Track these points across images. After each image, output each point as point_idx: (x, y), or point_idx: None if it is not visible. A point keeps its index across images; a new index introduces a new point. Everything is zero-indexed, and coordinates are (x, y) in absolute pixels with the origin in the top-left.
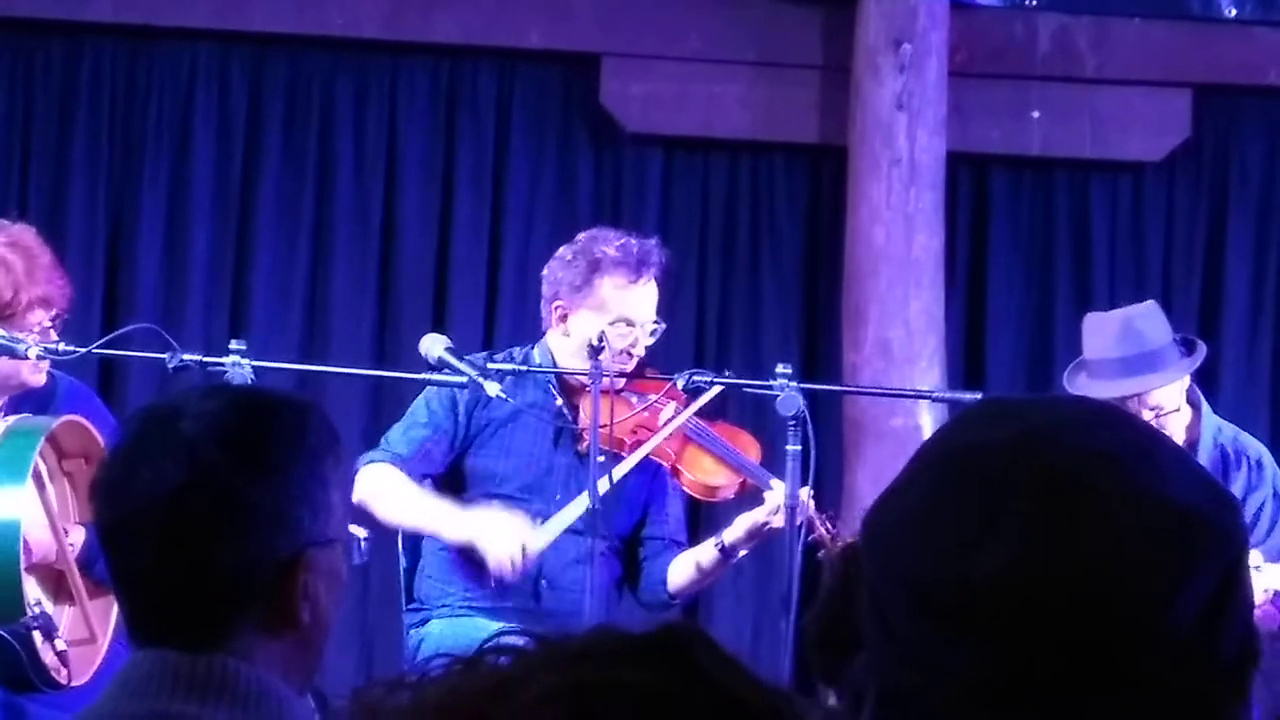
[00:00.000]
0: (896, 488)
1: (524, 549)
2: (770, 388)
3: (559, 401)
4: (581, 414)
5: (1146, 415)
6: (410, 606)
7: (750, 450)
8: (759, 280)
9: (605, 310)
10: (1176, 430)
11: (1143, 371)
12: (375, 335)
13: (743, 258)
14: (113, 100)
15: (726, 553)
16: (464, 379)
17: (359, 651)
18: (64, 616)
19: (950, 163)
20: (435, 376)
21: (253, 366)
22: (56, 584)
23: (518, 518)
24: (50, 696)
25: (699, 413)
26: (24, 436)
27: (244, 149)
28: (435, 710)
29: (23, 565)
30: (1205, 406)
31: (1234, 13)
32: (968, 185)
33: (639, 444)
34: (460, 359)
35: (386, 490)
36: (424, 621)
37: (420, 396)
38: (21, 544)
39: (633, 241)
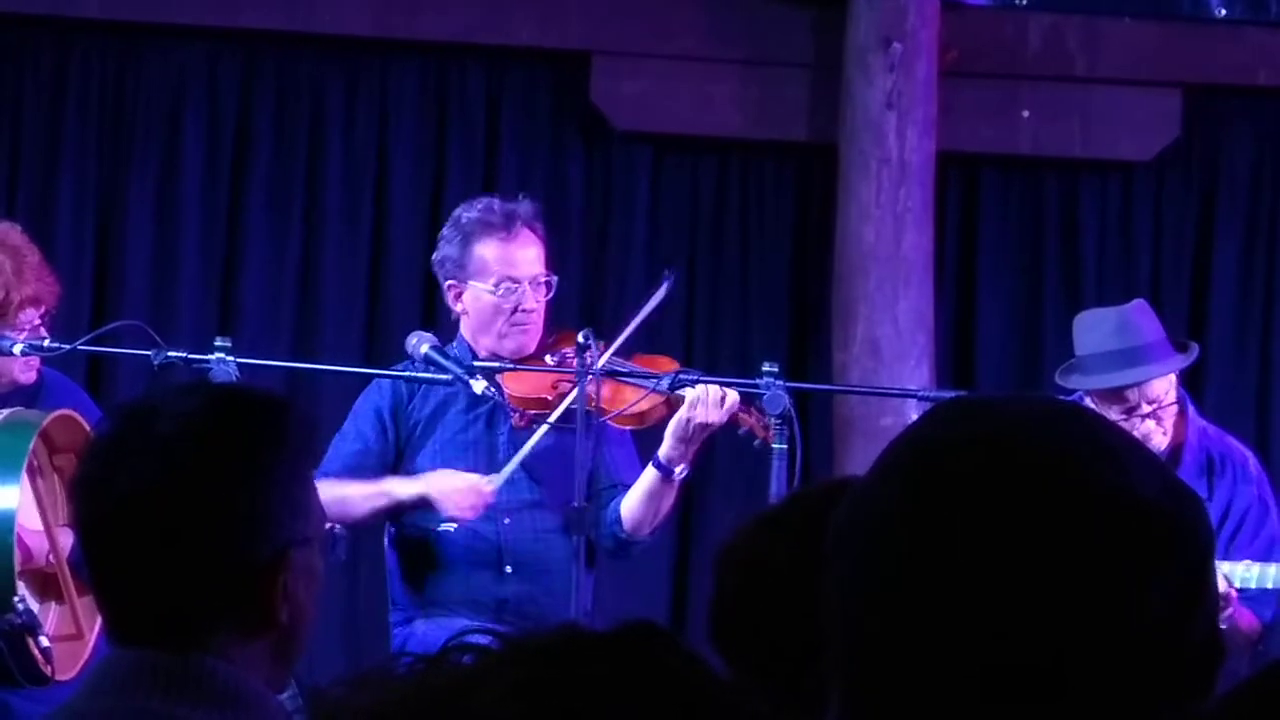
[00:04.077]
0: (863, 489)
1: (479, 489)
2: (757, 386)
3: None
4: (507, 390)
5: (1145, 408)
6: (395, 605)
7: (667, 369)
8: (748, 278)
9: (488, 274)
10: (1171, 425)
11: (1143, 362)
12: (365, 333)
13: (732, 256)
14: (101, 97)
15: (663, 468)
16: (449, 377)
17: (346, 649)
18: (50, 613)
19: (940, 162)
20: (422, 374)
21: (238, 363)
22: (44, 581)
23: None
24: (35, 692)
25: (617, 351)
26: (17, 430)
27: (233, 148)
28: (398, 709)
29: (17, 560)
30: (1191, 409)
31: (1224, 13)
32: (957, 184)
33: (561, 397)
34: (446, 357)
35: (327, 501)
36: (408, 620)
37: (350, 412)
38: (16, 536)
39: (496, 200)
